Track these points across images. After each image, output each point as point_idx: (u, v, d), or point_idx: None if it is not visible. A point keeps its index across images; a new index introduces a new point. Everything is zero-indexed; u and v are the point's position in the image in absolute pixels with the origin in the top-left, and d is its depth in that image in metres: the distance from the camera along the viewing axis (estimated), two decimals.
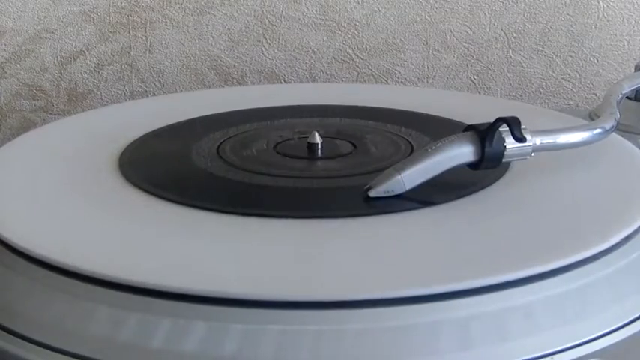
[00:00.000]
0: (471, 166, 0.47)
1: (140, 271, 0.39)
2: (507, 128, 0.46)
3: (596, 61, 0.83)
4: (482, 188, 0.47)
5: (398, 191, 0.46)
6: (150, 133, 0.58)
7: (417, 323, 0.37)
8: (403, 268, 0.39)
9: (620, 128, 0.54)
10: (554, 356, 0.37)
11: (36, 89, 0.82)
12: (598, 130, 0.50)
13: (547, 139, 0.48)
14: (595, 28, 0.82)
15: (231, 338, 0.36)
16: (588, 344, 0.38)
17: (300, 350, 0.36)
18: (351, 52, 0.83)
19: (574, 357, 0.38)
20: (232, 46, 0.82)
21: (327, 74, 0.83)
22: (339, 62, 0.83)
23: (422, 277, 0.38)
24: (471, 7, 0.82)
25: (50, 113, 0.82)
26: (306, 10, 0.81)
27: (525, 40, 0.82)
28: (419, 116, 0.61)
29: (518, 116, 0.47)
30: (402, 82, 0.83)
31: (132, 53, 0.82)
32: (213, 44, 0.82)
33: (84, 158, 0.53)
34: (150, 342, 0.37)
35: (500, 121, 0.46)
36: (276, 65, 0.83)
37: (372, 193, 0.46)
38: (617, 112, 0.53)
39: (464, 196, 0.46)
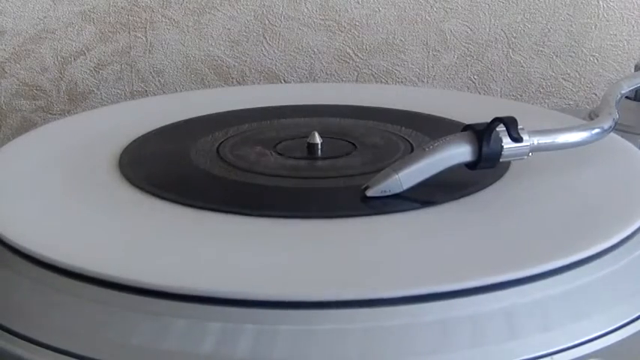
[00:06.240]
0: (469, 165, 0.47)
1: (140, 271, 0.39)
2: (505, 128, 0.46)
3: (596, 61, 0.83)
4: (482, 188, 0.47)
5: (395, 191, 0.46)
6: (150, 132, 0.58)
7: (416, 323, 0.37)
8: (401, 268, 0.39)
9: (619, 128, 0.53)
10: (554, 356, 0.37)
11: (36, 89, 0.82)
12: (596, 130, 0.50)
13: (545, 139, 0.48)
14: (595, 28, 0.82)
15: (231, 338, 0.36)
16: (588, 344, 0.38)
17: (302, 350, 0.36)
18: (351, 52, 0.83)
19: (574, 357, 0.38)
20: (232, 46, 0.82)
21: (327, 74, 0.83)
22: (339, 62, 0.83)
23: (420, 277, 0.38)
24: (470, 7, 0.82)
25: (50, 113, 0.82)
26: (306, 10, 0.81)
27: (525, 40, 0.82)
28: (419, 116, 0.61)
29: (517, 116, 0.47)
30: (402, 82, 0.83)
31: (132, 53, 0.82)
32: (213, 44, 0.82)
33: (84, 158, 0.53)
34: (144, 341, 0.37)
35: (498, 120, 0.46)
36: (276, 65, 0.83)
37: (370, 193, 0.46)
38: (616, 112, 0.53)
39: (463, 196, 0.46)
